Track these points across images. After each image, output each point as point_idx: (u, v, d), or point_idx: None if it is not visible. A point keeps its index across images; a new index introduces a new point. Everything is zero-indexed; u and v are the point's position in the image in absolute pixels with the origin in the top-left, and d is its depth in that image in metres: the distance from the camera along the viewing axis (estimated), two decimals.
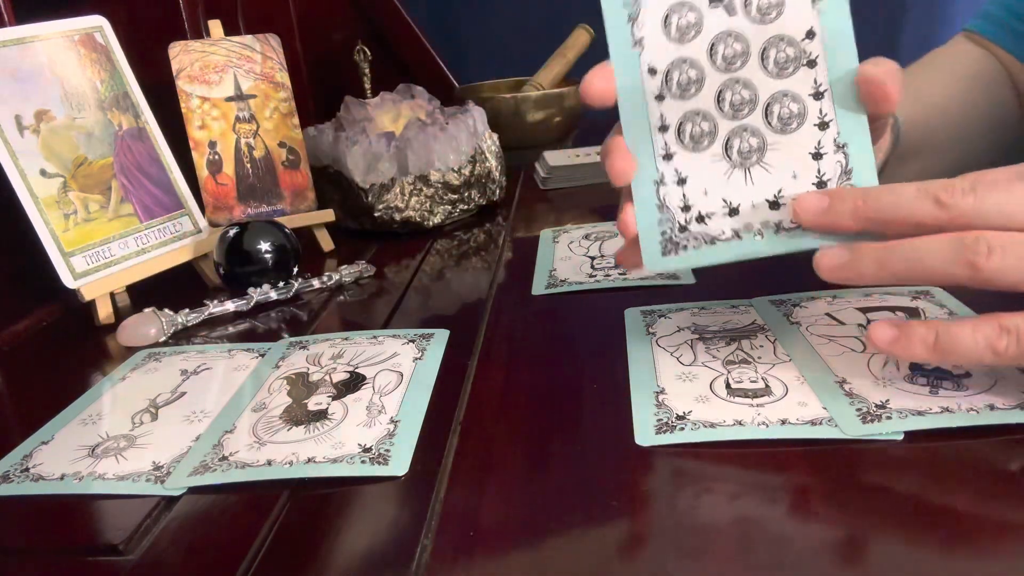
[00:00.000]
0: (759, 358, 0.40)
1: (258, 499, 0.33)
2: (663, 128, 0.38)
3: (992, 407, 0.33)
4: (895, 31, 1.25)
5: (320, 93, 0.98)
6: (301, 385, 0.42)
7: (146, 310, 0.53)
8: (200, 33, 0.80)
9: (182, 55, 0.66)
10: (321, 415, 0.39)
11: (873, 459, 0.31)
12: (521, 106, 0.94)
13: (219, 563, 0.29)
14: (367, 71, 0.80)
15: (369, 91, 0.80)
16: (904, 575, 0.25)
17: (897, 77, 0.35)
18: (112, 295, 0.58)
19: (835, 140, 0.37)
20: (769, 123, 0.37)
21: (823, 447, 0.32)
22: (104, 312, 0.56)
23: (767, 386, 0.37)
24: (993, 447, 0.31)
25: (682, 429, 0.34)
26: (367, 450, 0.35)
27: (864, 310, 0.43)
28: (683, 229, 0.38)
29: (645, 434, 0.34)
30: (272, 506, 0.32)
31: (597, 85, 0.37)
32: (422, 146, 0.70)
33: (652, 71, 0.38)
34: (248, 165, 0.68)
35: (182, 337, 0.53)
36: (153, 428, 0.40)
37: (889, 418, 0.33)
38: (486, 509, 0.31)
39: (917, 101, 0.55)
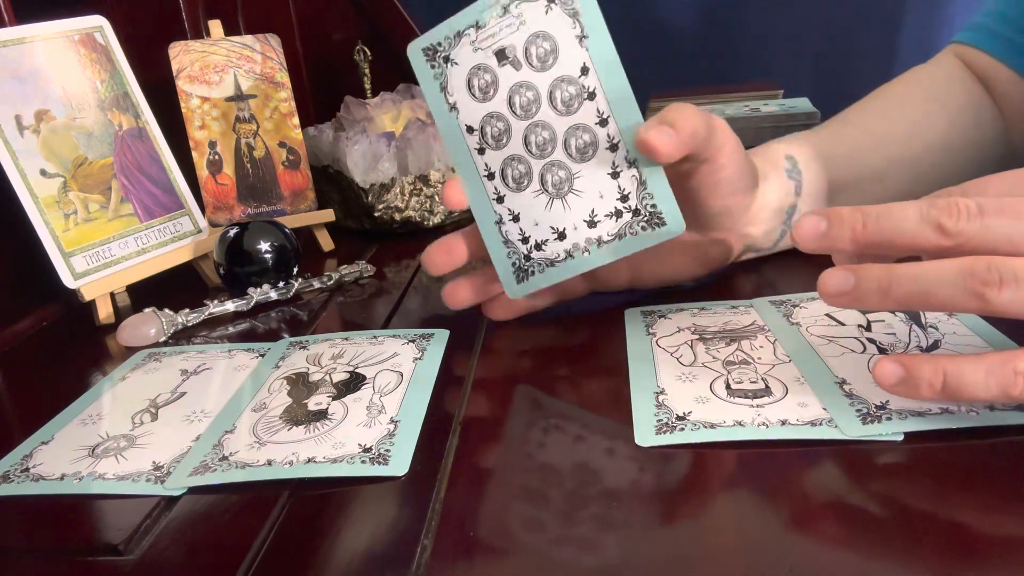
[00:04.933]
0: (759, 359, 0.40)
1: (258, 499, 0.33)
2: (490, 176, 0.43)
3: (992, 408, 0.33)
4: (895, 31, 1.25)
5: (320, 93, 0.98)
6: (301, 385, 0.42)
7: (146, 310, 0.53)
8: (200, 33, 0.80)
9: (182, 55, 0.66)
10: (321, 415, 0.39)
11: (873, 460, 0.31)
12: None
13: (219, 563, 0.29)
14: (367, 71, 0.80)
15: (369, 91, 0.80)
16: None
17: (669, 131, 0.38)
18: (112, 295, 0.58)
19: (626, 158, 0.41)
20: (570, 155, 0.42)
21: (823, 448, 0.32)
22: (104, 312, 0.56)
23: (767, 387, 0.37)
24: (993, 448, 0.31)
25: (682, 430, 0.34)
26: (367, 450, 0.35)
27: (864, 310, 0.43)
28: (527, 258, 0.44)
29: (645, 434, 0.34)
30: (272, 506, 0.32)
31: (452, 197, 0.44)
32: (422, 146, 0.71)
33: (470, 129, 0.43)
34: (248, 165, 0.68)
35: (182, 337, 0.53)
36: (153, 428, 0.40)
37: (889, 419, 0.33)
38: (486, 509, 0.31)
39: (919, 137, 0.56)
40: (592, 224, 0.42)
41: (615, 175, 0.41)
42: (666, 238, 0.41)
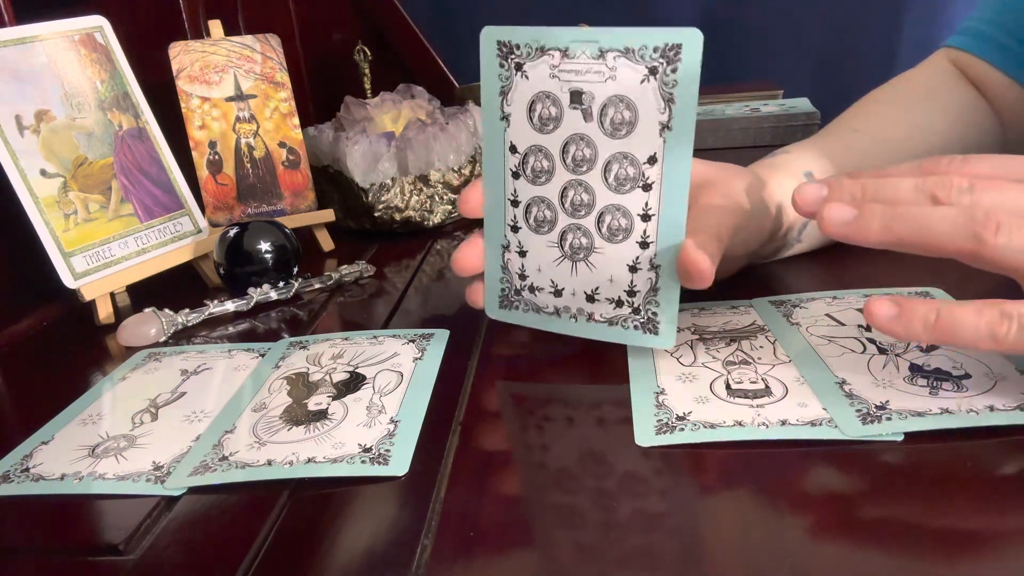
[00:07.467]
0: (759, 359, 0.40)
1: (258, 499, 0.33)
2: (515, 203, 0.42)
3: (992, 408, 0.33)
4: (895, 31, 1.25)
5: (320, 93, 0.98)
6: (301, 385, 0.42)
7: (146, 310, 0.53)
8: (200, 33, 0.80)
9: (182, 55, 0.66)
10: (321, 415, 0.39)
11: (873, 460, 0.31)
12: None
13: (219, 563, 0.29)
14: (367, 71, 0.80)
15: (369, 91, 0.80)
16: None
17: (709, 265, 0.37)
18: (112, 295, 0.58)
19: (651, 260, 0.39)
20: (599, 230, 0.40)
21: (823, 448, 0.32)
22: (104, 312, 0.56)
23: (767, 387, 0.37)
24: (993, 448, 0.31)
25: (682, 430, 0.34)
26: (367, 450, 0.35)
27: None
28: (518, 292, 0.43)
29: (645, 434, 0.34)
30: (272, 506, 0.32)
31: (469, 203, 0.43)
32: (422, 146, 0.71)
33: (513, 149, 0.41)
34: (248, 165, 0.68)
35: (182, 337, 0.53)
36: (153, 428, 0.40)
37: (889, 419, 0.33)
38: (486, 509, 0.31)
39: (924, 141, 0.57)
40: (591, 299, 0.41)
41: (634, 269, 0.39)
42: (650, 346, 0.41)
